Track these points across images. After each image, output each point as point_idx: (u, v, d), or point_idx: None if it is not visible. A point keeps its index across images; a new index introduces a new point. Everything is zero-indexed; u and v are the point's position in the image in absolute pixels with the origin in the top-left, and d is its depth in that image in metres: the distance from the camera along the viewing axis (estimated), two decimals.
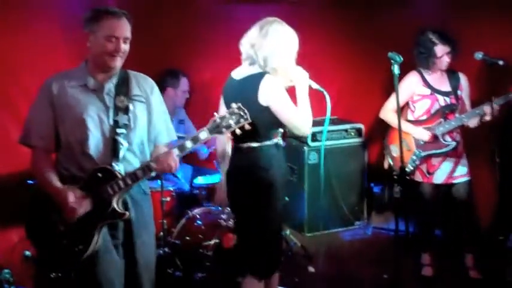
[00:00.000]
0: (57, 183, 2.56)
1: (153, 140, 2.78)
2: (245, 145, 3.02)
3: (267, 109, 2.93)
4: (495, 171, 3.92)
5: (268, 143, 3.03)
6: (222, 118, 2.54)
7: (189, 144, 2.57)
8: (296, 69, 3.02)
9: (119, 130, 2.60)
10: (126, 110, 2.63)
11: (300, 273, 4.29)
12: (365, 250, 4.76)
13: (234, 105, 2.55)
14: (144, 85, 2.75)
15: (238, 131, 2.58)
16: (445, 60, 4.02)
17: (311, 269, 4.21)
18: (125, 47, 2.61)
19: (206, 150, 4.70)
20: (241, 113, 2.55)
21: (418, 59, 4.09)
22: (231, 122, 2.53)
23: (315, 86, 3.05)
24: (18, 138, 2.68)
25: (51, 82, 2.62)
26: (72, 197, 2.51)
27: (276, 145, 3.08)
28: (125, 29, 2.60)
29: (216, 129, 2.54)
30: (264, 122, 2.95)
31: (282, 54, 2.97)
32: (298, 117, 2.96)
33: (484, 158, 4.34)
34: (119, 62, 2.61)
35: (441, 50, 3.99)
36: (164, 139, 2.81)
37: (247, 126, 2.59)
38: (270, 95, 2.92)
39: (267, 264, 3.13)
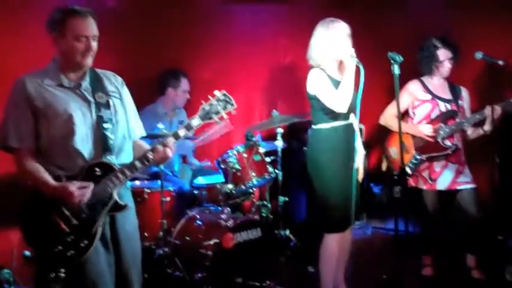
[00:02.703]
0: (53, 181, 2.52)
1: (131, 133, 2.82)
2: (312, 126, 3.66)
3: (315, 97, 3.53)
4: (495, 171, 3.92)
5: (321, 126, 3.58)
6: (210, 105, 2.68)
7: (182, 132, 2.67)
8: (344, 54, 3.43)
9: (105, 125, 2.62)
10: (107, 106, 2.66)
11: (300, 273, 4.29)
12: (365, 250, 4.76)
13: (218, 92, 2.70)
14: (114, 81, 2.79)
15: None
16: (447, 66, 4.04)
17: (311, 269, 4.21)
18: (94, 44, 2.61)
19: (197, 162, 4.74)
20: (227, 99, 2.70)
21: (421, 65, 4.13)
22: (219, 108, 2.68)
23: (355, 60, 3.39)
24: None
25: (23, 82, 2.58)
26: (73, 186, 2.49)
27: (332, 129, 3.54)
28: (92, 27, 2.60)
29: (207, 116, 2.68)
30: (316, 108, 3.57)
31: (321, 50, 3.52)
32: (334, 100, 3.45)
33: (483, 159, 4.34)
34: (90, 60, 2.62)
35: (443, 54, 4.02)
36: (137, 134, 2.86)
37: None
38: (311, 85, 3.53)
39: (328, 225, 3.63)
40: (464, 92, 4.16)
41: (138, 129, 2.87)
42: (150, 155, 2.62)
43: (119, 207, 2.61)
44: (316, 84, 3.51)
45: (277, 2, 5.39)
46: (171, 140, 2.65)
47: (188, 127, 2.67)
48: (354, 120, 3.65)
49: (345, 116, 3.57)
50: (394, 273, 3.36)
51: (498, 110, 3.82)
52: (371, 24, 5.17)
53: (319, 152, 3.60)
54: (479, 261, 4.13)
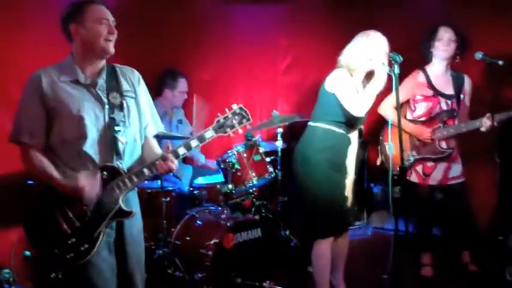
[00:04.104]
0: (63, 178, 2.50)
1: (143, 131, 2.77)
2: (308, 123, 3.65)
3: (332, 95, 3.49)
4: (495, 171, 3.92)
5: (320, 124, 3.56)
6: (226, 118, 2.62)
7: (194, 143, 2.60)
8: (376, 62, 3.40)
9: (116, 128, 2.58)
10: (120, 107, 2.61)
11: (300, 273, 4.29)
12: (365, 250, 4.76)
13: (235, 106, 2.63)
14: (131, 78, 2.74)
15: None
16: (447, 45, 3.99)
17: (311, 269, 4.21)
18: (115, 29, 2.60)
19: (203, 157, 4.72)
20: (243, 114, 2.63)
21: (423, 49, 4.09)
22: (234, 122, 2.62)
23: (387, 68, 3.32)
24: (9, 135, 2.59)
25: (39, 76, 2.54)
26: (83, 179, 2.47)
27: (331, 131, 3.52)
28: (109, 13, 2.60)
29: (221, 129, 2.61)
30: (324, 106, 3.55)
31: (352, 56, 3.49)
32: (353, 101, 3.44)
33: (483, 159, 4.34)
34: (112, 46, 2.58)
35: (445, 31, 4.00)
36: (152, 131, 2.80)
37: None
38: (332, 83, 3.51)
39: (319, 229, 3.62)
40: (467, 83, 4.14)
41: (153, 127, 2.81)
42: (159, 163, 2.55)
43: (123, 214, 2.57)
44: (339, 83, 3.49)
45: (277, 2, 5.39)
46: (181, 151, 2.59)
47: (201, 139, 2.60)
48: (354, 137, 3.65)
49: (347, 128, 3.57)
50: (394, 273, 3.35)
51: (497, 121, 3.80)
52: (371, 24, 5.15)
53: (312, 149, 3.57)
54: (474, 256, 4.14)
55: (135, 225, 2.71)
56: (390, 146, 4.12)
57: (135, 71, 2.80)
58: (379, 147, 4.26)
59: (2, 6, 3.86)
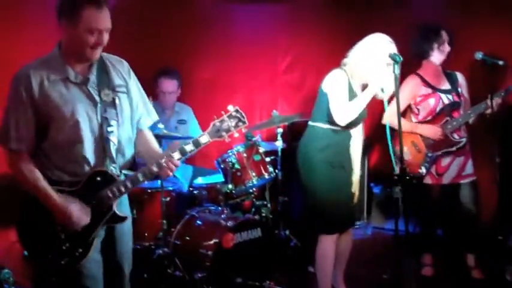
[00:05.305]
0: (56, 195, 2.43)
1: (136, 125, 2.67)
2: (308, 122, 3.68)
3: (326, 96, 3.49)
4: (495, 171, 3.91)
5: (319, 124, 3.56)
6: (221, 122, 2.54)
7: (189, 147, 2.53)
8: (374, 76, 3.38)
9: (109, 128, 2.50)
10: (113, 104, 2.51)
11: (300, 273, 4.29)
12: (365, 250, 4.76)
13: (231, 108, 2.56)
14: (121, 70, 2.61)
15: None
16: (447, 48, 4.04)
17: (311, 269, 4.21)
18: (106, 37, 2.44)
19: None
20: (239, 116, 2.55)
21: (418, 47, 4.08)
22: (230, 125, 2.54)
23: (380, 96, 3.40)
24: None
25: (28, 74, 2.40)
26: (75, 212, 2.43)
27: (330, 129, 3.52)
28: (106, 19, 2.42)
29: (217, 133, 2.55)
30: (321, 106, 3.53)
31: (357, 60, 3.47)
32: (338, 108, 3.43)
33: (484, 158, 4.33)
34: (99, 53, 2.47)
35: (445, 35, 4.04)
36: (146, 122, 2.71)
37: None
38: (328, 83, 3.51)
39: (321, 225, 3.63)
40: (461, 78, 4.17)
41: (147, 118, 2.71)
42: (154, 169, 2.50)
43: (117, 219, 2.54)
44: (332, 85, 3.48)
45: (277, 2, 5.39)
46: (176, 156, 2.52)
47: (196, 144, 2.53)
48: (356, 132, 3.63)
49: (343, 127, 3.53)
50: (394, 273, 3.35)
51: (498, 100, 3.85)
52: (371, 24, 5.15)
53: (312, 150, 3.58)
54: (479, 260, 4.13)
55: (125, 225, 2.65)
56: (406, 153, 4.11)
57: (124, 61, 2.67)
58: (394, 156, 4.22)
59: (2, 6, 3.86)
